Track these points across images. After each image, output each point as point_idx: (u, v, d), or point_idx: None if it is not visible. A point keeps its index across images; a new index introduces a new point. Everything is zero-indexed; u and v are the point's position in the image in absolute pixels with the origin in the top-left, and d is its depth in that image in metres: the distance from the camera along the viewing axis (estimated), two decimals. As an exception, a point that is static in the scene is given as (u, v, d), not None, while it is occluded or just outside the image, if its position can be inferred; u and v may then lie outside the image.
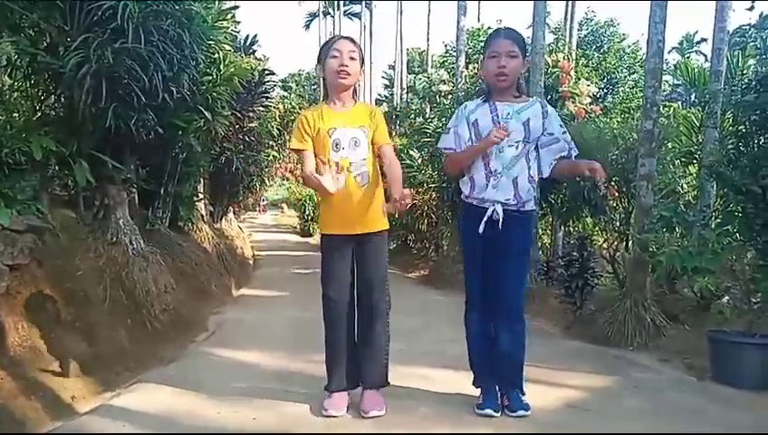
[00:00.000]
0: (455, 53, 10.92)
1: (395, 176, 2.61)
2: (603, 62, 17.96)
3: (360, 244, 2.62)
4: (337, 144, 2.58)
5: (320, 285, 2.68)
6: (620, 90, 17.74)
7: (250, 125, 8.37)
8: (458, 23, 10.21)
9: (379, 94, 31.48)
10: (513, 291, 2.66)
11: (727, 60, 5.86)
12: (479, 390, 2.73)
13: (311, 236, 16.83)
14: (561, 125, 2.68)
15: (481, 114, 2.64)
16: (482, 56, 2.73)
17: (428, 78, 13.03)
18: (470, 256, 2.72)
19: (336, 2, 28.44)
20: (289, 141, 2.72)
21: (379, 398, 2.65)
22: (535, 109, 2.63)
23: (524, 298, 2.75)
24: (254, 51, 8.97)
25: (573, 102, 7.85)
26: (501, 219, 2.55)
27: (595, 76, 13.67)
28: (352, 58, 2.59)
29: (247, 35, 8.82)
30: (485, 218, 2.56)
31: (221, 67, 5.55)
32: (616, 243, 5.74)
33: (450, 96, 10.54)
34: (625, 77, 18.64)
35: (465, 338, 2.77)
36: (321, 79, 2.74)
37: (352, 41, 2.68)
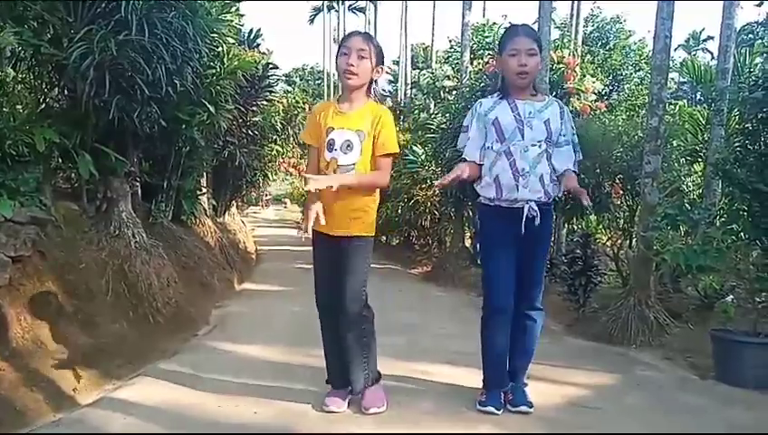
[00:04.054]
0: (459, 49, 10.86)
1: (370, 180, 2.54)
2: (609, 59, 17.85)
3: (340, 247, 2.55)
4: (331, 144, 2.53)
5: None
6: (626, 87, 17.63)
7: (253, 119, 8.34)
8: (463, 18, 10.15)
9: (383, 89, 31.36)
10: (540, 275, 2.69)
11: (734, 57, 5.81)
12: (482, 386, 2.72)
13: (313, 231, 16.79)
14: (572, 126, 2.68)
15: (501, 112, 2.60)
16: (495, 53, 2.70)
17: (433, 74, 12.99)
18: (498, 260, 2.64)
19: (341, -3, 28.36)
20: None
21: (380, 394, 2.64)
22: (554, 109, 2.63)
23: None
24: (258, 44, 8.95)
25: (578, 99, 7.82)
26: (538, 215, 2.53)
27: (600, 73, 13.61)
28: (362, 57, 2.49)
29: (251, 29, 8.81)
30: (524, 218, 2.52)
31: (225, 60, 5.53)
32: (620, 241, 5.72)
33: (454, 92, 10.51)
34: (630, 74, 18.54)
35: (483, 345, 2.69)
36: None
37: (367, 37, 2.59)
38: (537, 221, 2.53)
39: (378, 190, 2.64)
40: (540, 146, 2.56)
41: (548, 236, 2.76)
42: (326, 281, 2.60)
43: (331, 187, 2.41)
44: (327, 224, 2.53)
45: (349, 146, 2.52)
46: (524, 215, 2.52)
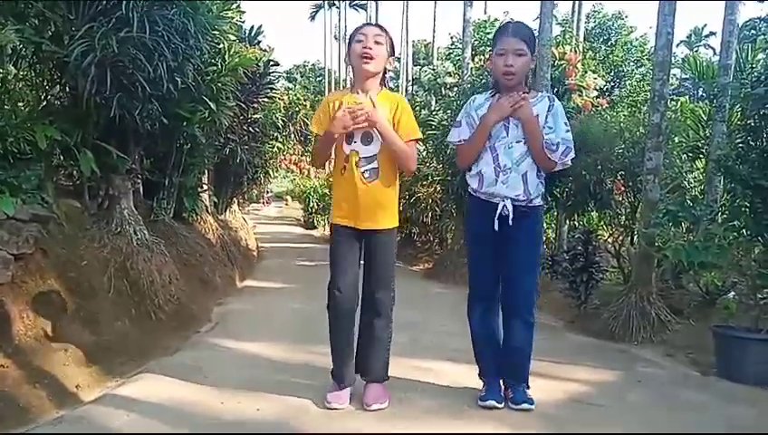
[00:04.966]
0: (461, 45, 10.85)
1: (404, 150, 2.56)
2: (610, 55, 17.84)
3: (368, 239, 2.58)
4: (350, 136, 2.52)
5: (328, 276, 2.64)
6: (627, 83, 17.62)
7: (255, 116, 8.34)
8: (464, 14, 10.14)
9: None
10: (524, 283, 2.64)
11: (736, 53, 5.79)
12: (482, 382, 2.73)
13: (315, 228, 16.83)
14: (565, 123, 2.62)
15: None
16: (490, 51, 2.70)
17: (434, 70, 12.98)
18: (476, 251, 2.73)
19: (342, -7, 28.32)
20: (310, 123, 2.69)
21: (382, 390, 2.65)
22: (543, 105, 2.61)
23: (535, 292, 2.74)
24: (259, 41, 8.92)
25: (580, 95, 7.81)
26: (511, 215, 2.54)
27: (602, 69, 13.59)
28: (378, 42, 2.50)
29: (252, 26, 8.77)
30: (496, 215, 2.54)
31: (226, 57, 5.52)
32: (621, 237, 5.72)
33: (456, 88, 10.51)
34: (632, 70, 18.52)
35: (470, 332, 2.76)
36: (351, 68, 2.64)
37: (380, 27, 2.62)
38: (510, 221, 2.53)
39: (398, 182, 2.67)
40: (525, 142, 2.57)
41: (529, 241, 2.64)
42: (349, 274, 2.57)
43: (367, 114, 2.39)
44: (352, 218, 2.54)
45: (369, 137, 2.52)
46: (498, 212, 2.54)
